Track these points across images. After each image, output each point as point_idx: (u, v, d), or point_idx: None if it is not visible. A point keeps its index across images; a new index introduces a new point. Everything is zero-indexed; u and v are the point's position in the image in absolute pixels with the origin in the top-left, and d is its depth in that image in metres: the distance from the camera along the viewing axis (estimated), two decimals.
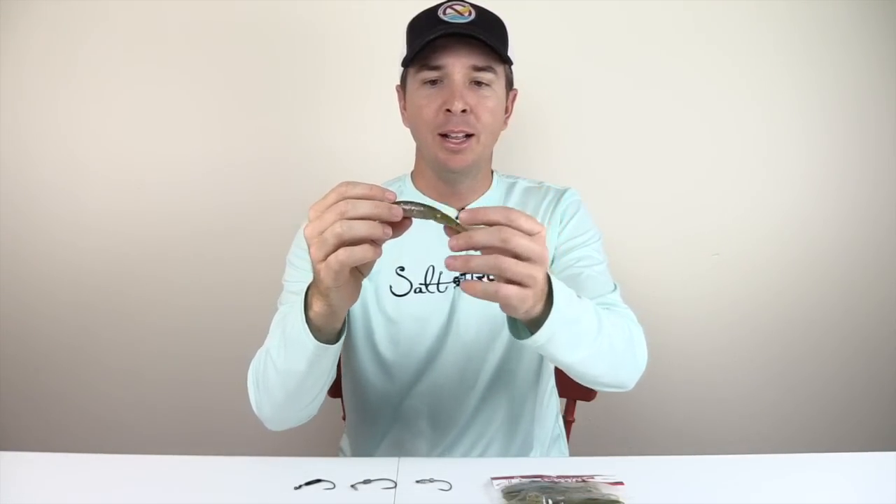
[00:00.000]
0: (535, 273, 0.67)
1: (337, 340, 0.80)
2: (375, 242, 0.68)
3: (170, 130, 1.60)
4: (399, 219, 0.67)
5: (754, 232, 1.65)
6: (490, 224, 0.67)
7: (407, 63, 0.99)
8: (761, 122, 1.61)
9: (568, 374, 0.87)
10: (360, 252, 0.66)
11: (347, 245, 0.66)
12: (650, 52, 1.58)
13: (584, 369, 0.84)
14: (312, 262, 0.69)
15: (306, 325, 0.76)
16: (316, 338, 0.76)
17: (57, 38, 1.56)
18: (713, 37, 1.59)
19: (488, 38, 0.95)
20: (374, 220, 0.66)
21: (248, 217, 1.61)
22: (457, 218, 0.69)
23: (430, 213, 0.69)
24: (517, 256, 0.66)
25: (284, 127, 1.60)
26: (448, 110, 0.96)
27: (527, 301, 0.69)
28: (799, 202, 1.64)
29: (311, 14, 1.56)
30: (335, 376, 0.94)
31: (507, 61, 1.00)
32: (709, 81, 1.60)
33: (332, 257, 0.66)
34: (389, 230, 0.67)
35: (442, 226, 0.69)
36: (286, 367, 0.82)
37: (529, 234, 0.66)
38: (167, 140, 1.60)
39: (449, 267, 0.67)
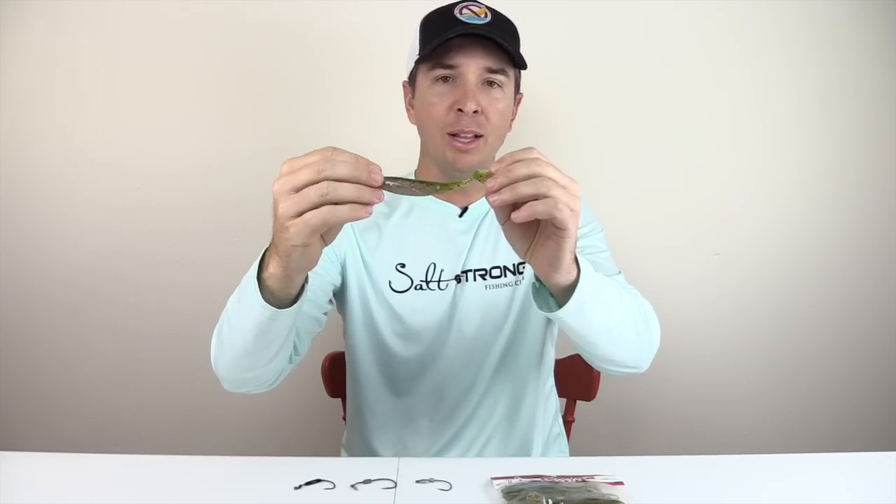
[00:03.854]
0: (576, 198, 0.68)
1: (290, 305, 0.76)
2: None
3: (171, 128, 1.59)
4: (378, 184, 0.64)
5: (754, 232, 1.65)
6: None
7: (421, 59, 0.98)
8: (761, 121, 1.61)
9: (591, 354, 0.87)
10: (346, 212, 0.63)
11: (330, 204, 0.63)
12: (649, 51, 1.58)
13: (610, 344, 0.85)
14: (279, 217, 0.65)
15: (257, 287, 0.73)
16: (268, 301, 0.74)
17: (58, 36, 1.56)
18: (712, 37, 1.59)
19: (506, 41, 0.95)
20: (353, 181, 0.63)
21: (248, 216, 1.61)
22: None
23: (425, 187, 0.69)
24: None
25: (286, 125, 1.59)
26: (459, 110, 0.96)
27: (575, 226, 0.69)
28: (799, 201, 1.64)
29: (312, 12, 1.56)
30: (303, 349, 0.95)
31: (520, 66, 1.00)
32: (705, 81, 1.60)
33: (312, 214, 0.63)
34: (374, 197, 0.64)
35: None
36: (238, 325, 0.80)
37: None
38: (168, 138, 1.60)
39: (495, 202, 0.67)
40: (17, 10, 1.55)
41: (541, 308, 0.80)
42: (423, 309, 1.04)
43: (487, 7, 0.99)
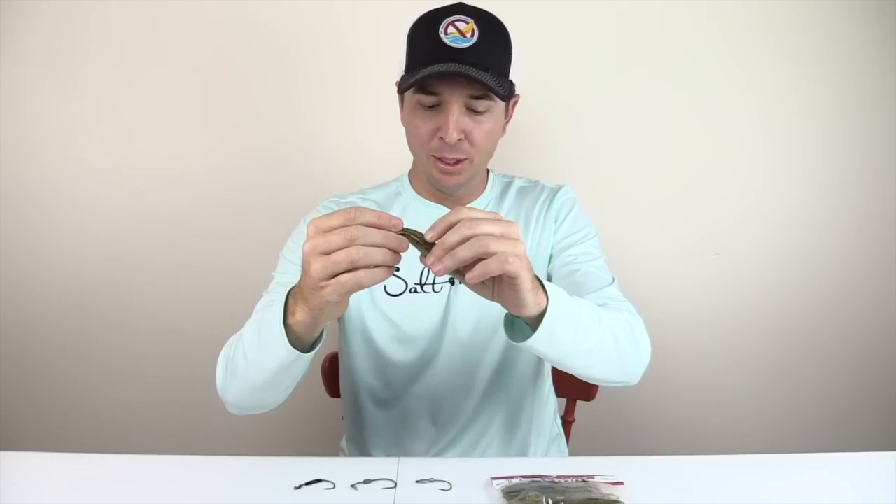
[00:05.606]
0: (517, 243, 0.69)
1: (311, 349, 0.80)
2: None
3: (167, 130, 1.59)
4: (405, 250, 0.69)
5: (755, 231, 1.65)
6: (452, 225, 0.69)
7: (404, 89, 0.95)
8: (761, 121, 1.61)
9: (575, 374, 0.86)
10: (381, 275, 0.69)
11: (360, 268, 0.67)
12: (648, 51, 1.58)
13: (590, 366, 0.85)
14: (311, 278, 0.69)
15: (284, 332, 0.76)
16: (293, 345, 0.77)
17: (58, 39, 1.56)
18: (711, 38, 1.59)
19: (488, 68, 0.91)
20: (382, 246, 0.68)
21: (246, 217, 1.61)
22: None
23: (426, 247, 0.72)
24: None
25: (283, 126, 1.59)
26: (442, 138, 0.94)
27: (526, 269, 0.70)
28: (800, 201, 1.64)
29: (308, 14, 1.56)
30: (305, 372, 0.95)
31: (502, 98, 0.94)
32: (706, 81, 1.59)
33: (347, 276, 0.67)
34: (399, 258, 0.69)
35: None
36: (256, 363, 0.82)
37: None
38: (165, 140, 1.60)
39: (438, 272, 0.69)
40: (17, 13, 1.55)
41: (513, 339, 0.80)
42: (418, 312, 1.04)
43: (477, 17, 0.93)
